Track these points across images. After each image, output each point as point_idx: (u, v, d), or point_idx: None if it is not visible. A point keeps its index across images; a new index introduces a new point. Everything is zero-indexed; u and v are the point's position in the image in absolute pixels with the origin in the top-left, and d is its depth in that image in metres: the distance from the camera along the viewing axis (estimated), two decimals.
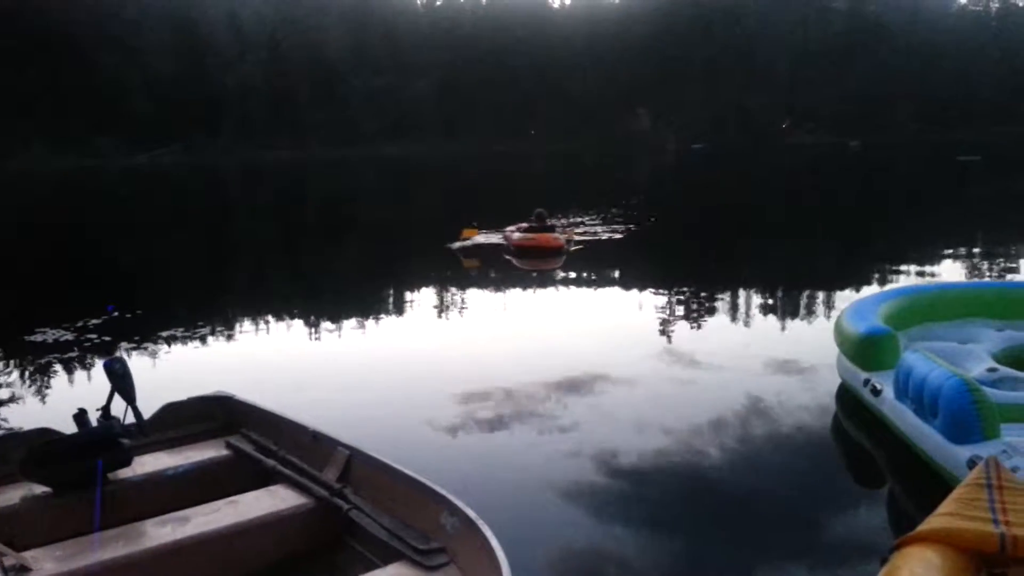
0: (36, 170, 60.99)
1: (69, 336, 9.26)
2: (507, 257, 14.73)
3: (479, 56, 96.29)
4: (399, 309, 11.38)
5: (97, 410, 4.05)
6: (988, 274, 13.01)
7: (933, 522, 3.27)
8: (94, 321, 9.86)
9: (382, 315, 11.06)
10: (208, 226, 24.61)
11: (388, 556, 3.44)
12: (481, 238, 16.04)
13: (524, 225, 15.85)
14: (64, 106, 73.81)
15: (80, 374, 8.05)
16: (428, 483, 3.60)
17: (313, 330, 10.14)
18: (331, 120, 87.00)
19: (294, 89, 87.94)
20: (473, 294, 12.23)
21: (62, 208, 33.89)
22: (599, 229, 18.53)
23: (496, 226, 17.02)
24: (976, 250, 16.00)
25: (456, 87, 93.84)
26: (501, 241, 15.74)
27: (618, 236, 17.55)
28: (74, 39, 75.96)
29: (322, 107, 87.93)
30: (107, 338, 9.15)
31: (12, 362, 8.55)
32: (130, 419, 4.08)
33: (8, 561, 3.25)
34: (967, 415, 4.73)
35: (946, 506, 3.36)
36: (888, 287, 10.86)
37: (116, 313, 10.18)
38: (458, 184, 42.62)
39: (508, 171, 51.05)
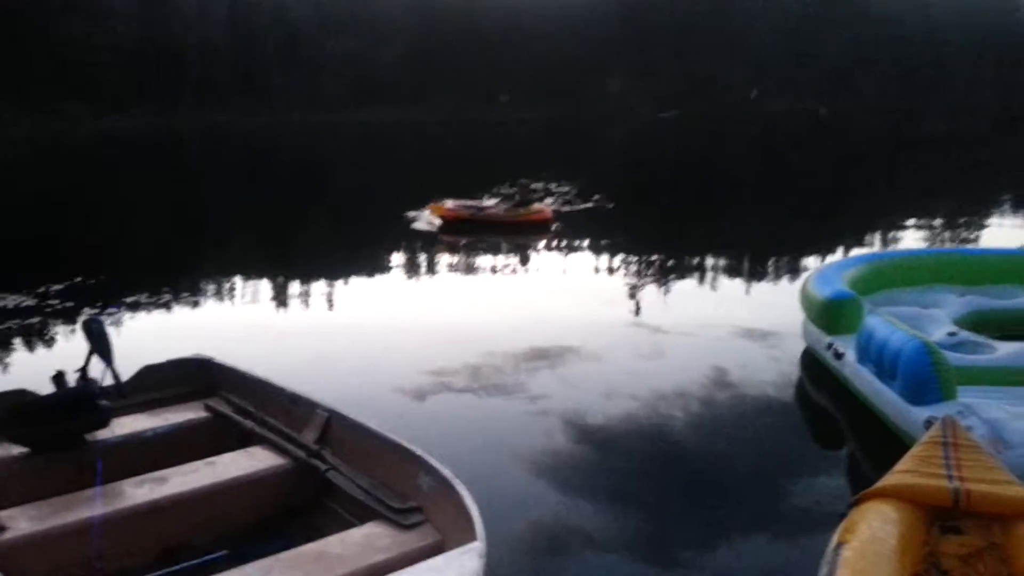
0: None
1: (46, 301, 9.19)
2: (489, 232, 14.26)
3: (448, 21, 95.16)
4: (374, 277, 11.39)
5: (75, 372, 4.06)
6: (951, 241, 13.26)
7: (891, 478, 3.39)
8: (58, 287, 9.79)
9: (357, 283, 11.07)
10: (175, 192, 24.21)
11: (365, 515, 3.51)
12: (452, 208, 15.26)
13: (500, 202, 15.30)
14: (27, 69, 71.79)
15: (58, 337, 8.02)
16: (405, 444, 3.65)
17: (289, 296, 10.14)
18: (297, 84, 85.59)
19: (259, 52, 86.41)
20: (446, 264, 12.28)
21: (26, 173, 33.13)
22: (567, 199, 18.47)
23: (470, 195, 16.89)
24: (939, 218, 16.28)
25: (425, 52, 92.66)
26: (478, 214, 15.08)
27: (584, 207, 17.50)
28: (34, 3, 73.86)
29: (287, 71, 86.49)
30: (77, 303, 9.09)
31: None
32: (109, 381, 4.09)
33: None
34: (925, 377, 4.86)
35: (904, 463, 3.48)
36: (853, 254, 11.06)
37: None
38: (429, 150, 42.32)
39: (479, 137, 50.75)
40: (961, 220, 15.86)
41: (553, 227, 14.59)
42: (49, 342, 7.93)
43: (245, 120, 73.93)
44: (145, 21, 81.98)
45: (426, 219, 15.32)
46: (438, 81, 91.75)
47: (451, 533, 3.20)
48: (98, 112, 72.45)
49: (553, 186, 20.45)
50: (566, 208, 16.89)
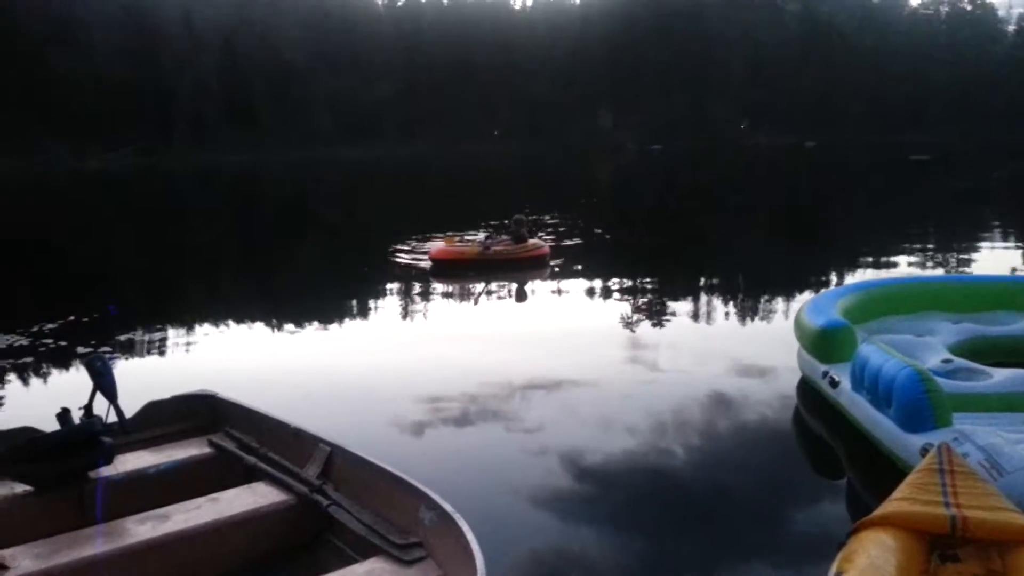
0: None
1: (46, 338, 9.17)
2: (488, 268, 13.94)
3: (440, 58, 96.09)
4: (369, 312, 11.40)
5: (79, 409, 4.07)
6: (944, 269, 13.35)
7: (888, 506, 3.41)
8: (50, 325, 9.77)
9: (353, 318, 11.09)
10: (170, 230, 24.24)
11: (367, 551, 3.51)
12: (459, 247, 15.01)
13: (494, 238, 15.29)
14: (10, 106, 71.43)
15: (63, 374, 8.02)
16: (407, 478, 3.66)
17: (287, 331, 10.12)
18: (289, 122, 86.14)
19: (251, 90, 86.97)
20: (445, 297, 12.29)
21: (14, 211, 33.12)
22: (561, 233, 18.55)
23: (463, 231, 16.93)
24: (932, 245, 16.41)
25: (417, 89, 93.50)
26: (486, 252, 14.50)
27: (578, 241, 17.57)
28: (20, 37, 73.98)
29: (280, 109, 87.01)
30: (73, 341, 9.08)
31: None
32: (112, 418, 4.10)
33: None
34: (920, 404, 4.89)
35: (901, 491, 3.50)
36: (847, 282, 11.14)
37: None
38: (420, 186, 42.50)
39: (471, 173, 51.01)
40: (954, 247, 15.99)
41: (551, 262, 14.53)
42: (49, 380, 7.92)
43: (237, 157, 74.10)
44: (133, 59, 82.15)
45: (420, 254, 15.31)
46: (430, 117, 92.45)
47: (453, 568, 3.20)
48: (81, 151, 71.94)
49: (547, 218, 20.57)
50: (564, 243, 16.95)
